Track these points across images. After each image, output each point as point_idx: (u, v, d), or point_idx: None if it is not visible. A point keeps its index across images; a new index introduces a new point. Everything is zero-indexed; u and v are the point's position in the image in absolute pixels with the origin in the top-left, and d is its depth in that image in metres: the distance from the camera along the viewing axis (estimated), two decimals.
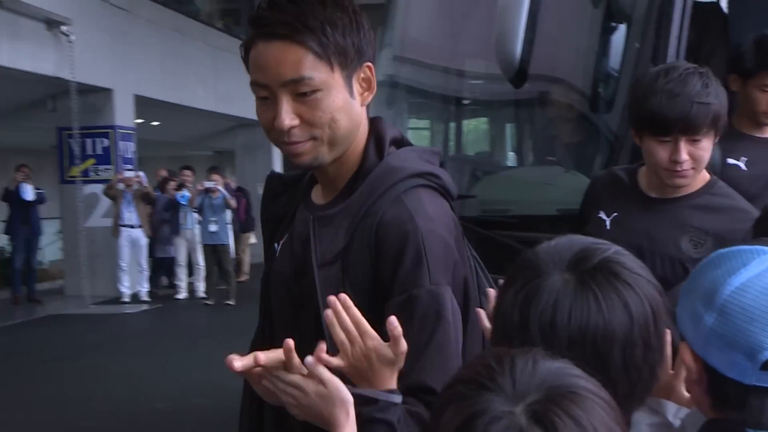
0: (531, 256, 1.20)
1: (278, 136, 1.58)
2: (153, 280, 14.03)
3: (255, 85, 1.59)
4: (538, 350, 0.98)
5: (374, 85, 1.65)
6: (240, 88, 19.18)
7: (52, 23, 12.37)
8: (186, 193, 13.51)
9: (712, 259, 1.25)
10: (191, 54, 16.87)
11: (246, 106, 20.04)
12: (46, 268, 16.29)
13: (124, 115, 14.55)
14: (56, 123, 14.07)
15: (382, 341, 1.43)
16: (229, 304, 12.93)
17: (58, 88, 13.15)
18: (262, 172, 19.95)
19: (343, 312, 1.43)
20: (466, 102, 4.29)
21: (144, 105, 15.16)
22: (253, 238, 16.46)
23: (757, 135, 3.07)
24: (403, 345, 1.42)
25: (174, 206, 13.64)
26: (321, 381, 1.37)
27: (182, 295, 13.82)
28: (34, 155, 17.73)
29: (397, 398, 1.44)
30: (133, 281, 13.36)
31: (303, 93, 1.54)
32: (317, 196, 1.74)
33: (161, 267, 14.48)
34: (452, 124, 4.31)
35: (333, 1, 1.57)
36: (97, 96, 13.91)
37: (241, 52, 1.62)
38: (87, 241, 13.79)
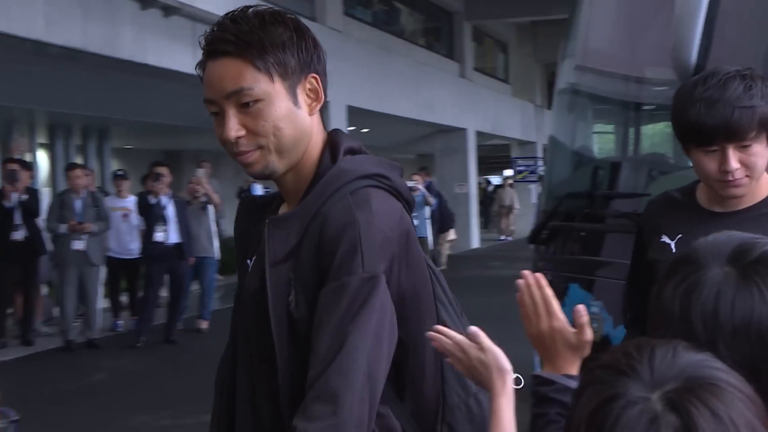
0: (689, 251, 1.14)
1: (230, 147, 1.51)
2: None
3: (206, 102, 1.53)
4: (679, 341, 0.92)
5: (322, 95, 1.56)
6: (439, 97, 19.43)
7: None
8: None
9: None
10: (396, 68, 17.12)
11: (444, 114, 20.26)
12: None
13: (338, 124, 14.93)
14: None
15: (568, 325, 1.42)
16: None
17: None
18: (459, 173, 20.07)
19: (534, 287, 1.43)
20: (643, 107, 4.13)
21: (355, 114, 15.51)
22: (452, 234, 16.52)
23: None
24: (588, 334, 1.39)
25: None
26: (481, 348, 1.37)
27: None
28: None
29: (574, 383, 1.40)
30: None
31: (246, 104, 1.48)
32: (283, 211, 1.66)
33: None
34: (631, 128, 4.16)
35: (274, 19, 1.51)
36: None
37: (198, 73, 1.55)
38: None
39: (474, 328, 1.40)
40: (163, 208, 9.18)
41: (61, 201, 9.20)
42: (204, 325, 9.92)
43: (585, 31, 4.18)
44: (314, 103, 1.56)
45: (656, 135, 4.63)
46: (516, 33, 26.33)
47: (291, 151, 1.53)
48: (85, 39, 9.14)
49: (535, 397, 1.40)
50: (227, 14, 1.52)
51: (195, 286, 10.22)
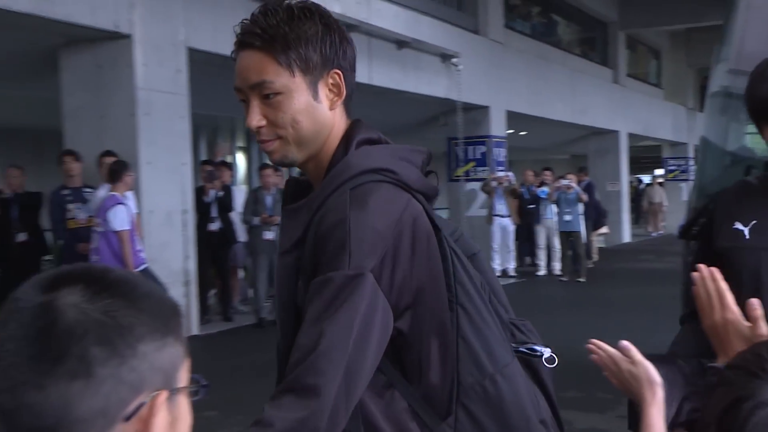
0: None
1: (255, 135, 1.44)
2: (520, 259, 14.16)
3: (235, 89, 1.45)
4: None
5: (344, 90, 1.45)
6: (592, 102, 18.92)
7: (445, 57, 12.92)
8: (546, 189, 13.50)
9: None
10: (552, 76, 16.80)
11: (597, 118, 19.74)
12: None
13: (498, 127, 14.83)
14: (446, 134, 14.69)
15: (742, 318, 1.35)
16: (579, 281, 12.76)
17: (448, 107, 13.71)
18: (612, 172, 19.35)
19: (709, 279, 1.37)
20: None
21: (513, 118, 15.35)
22: (605, 229, 16.05)
23: None
24: (762, 328, 1.31)
25: (536, 200, 13.69)
26: (632, 361, 1.31)
27: (542, 272, 13.82)
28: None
29: None
30: (503, 260, 13.57)
31: (267, 95, 1.40)
32: None
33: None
34: None
35: (302, 14, 1.41)
36: (477, 112, 14.31)
37: (234, 58, 1.48)
38: (468, 226, 14.23)
39: (625, 343, 1.34)
40: None
41: (254, 197, 9.60)
42: None
43: (739, 36, 3.94)
44: (336, 98, 1.46)
45: None
46: (669, 40, 25.19)
47: (309, 143, 1.45)
48: None
49: (710, 388, 1.34)
50: (261, 6, 1.44)
51: None
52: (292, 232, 1.42)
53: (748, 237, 1.85)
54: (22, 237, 8.40)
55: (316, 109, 1.43)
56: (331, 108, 1.45)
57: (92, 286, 0.81)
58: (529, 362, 1.54)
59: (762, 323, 1.30)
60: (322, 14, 1.44)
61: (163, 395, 0.81)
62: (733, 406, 0.80)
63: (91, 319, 0.78)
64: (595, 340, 1.41)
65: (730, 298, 1.35)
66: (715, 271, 1.37)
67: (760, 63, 1.84)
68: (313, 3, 1.45)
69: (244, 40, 1.42)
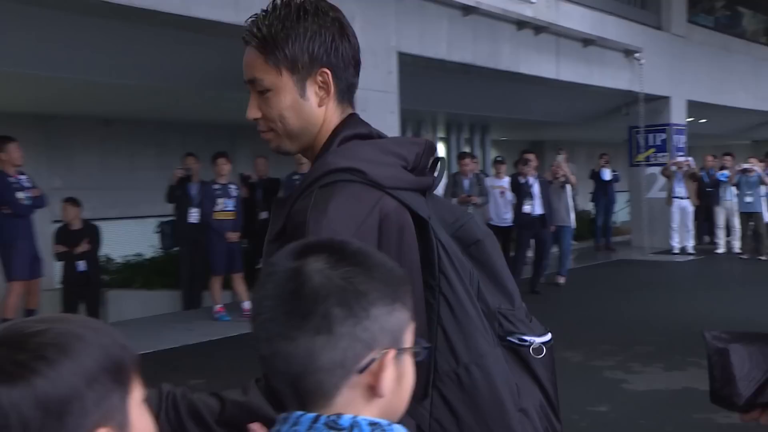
0: None
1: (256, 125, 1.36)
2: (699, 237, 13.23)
3: (244, 81, 1.36)
4: None
5: (332, 88, 1.32)
6: None
7: (627, 52, 12.27)
8: (726, 172, 12.48)
9: None
10: (734, 65, 15.42)
11: None
12: (618, 227, 16.29)
13: (678, 116, 13.91)
14: (627, 123, 13.98)
15: None
16: (761, 259, 11.70)
17: (630, 98, 13.03)
18: None
19: None
20: None
21: (694, 107, 14.32)
22: None
23: None
24: None
25: (715, 183, 12.70)
26: None
27: (720, 250, 12.78)
28: (612, 147, 17.77)
29: None
30: (682, 238, 12.72)
31: (260, 91, 1.32)
32: None
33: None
34: None
35: (298, 14, 1.29)
36: (658, 102, 13.50)
37: None
38: (647, 208, 13.54)
39: None
40: (530, 186, 9.24)
41: (453, 180, 9.67)
42: (561, 280, 9.83)
43: None
44: (325, 95, 1.34)
45: None
46: None
47: (300, 136, 1.36)
48: (475, 56, 9.46)
49: None
50: (270, 3, 1.34)
51: (555, 249, 10.17)
52: (276, 223, 1.32)
53: None
54: (264, 215, 9.01)
55: (302, 106, 1.33)
56: (320, 105, 1.34)
57: (334, 255, 0.84)
58: (519, 352, 1.35)
59: None
60: (319, 12, 1.32)
61: (392, 353, 0.83)
62: None
63: (333, 283, 0.82)
64: None
65: None
66: None
67: None
68: (313, 0, 1.34)
69: (245, 38, 1.34)
